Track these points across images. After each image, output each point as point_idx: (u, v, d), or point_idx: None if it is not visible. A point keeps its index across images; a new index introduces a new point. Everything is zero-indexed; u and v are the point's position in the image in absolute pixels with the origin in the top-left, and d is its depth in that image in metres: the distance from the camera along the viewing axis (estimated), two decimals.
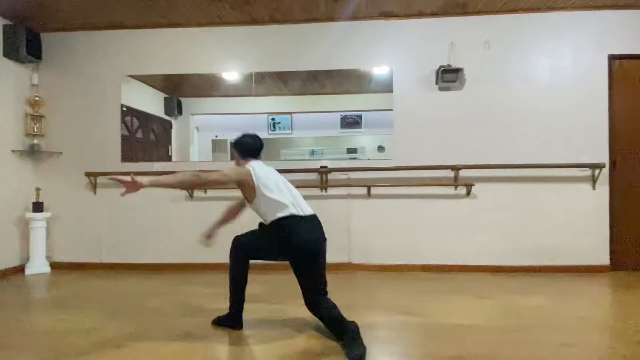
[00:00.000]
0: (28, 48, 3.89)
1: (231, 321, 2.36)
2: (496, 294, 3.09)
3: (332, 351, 2.05)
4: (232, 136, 4.74)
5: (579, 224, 3.76)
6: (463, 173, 3.79)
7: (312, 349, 2.09)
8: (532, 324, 2.44)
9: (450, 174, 3.82)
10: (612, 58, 3.77)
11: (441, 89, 3.87)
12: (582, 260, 3.74)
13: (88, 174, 4.05)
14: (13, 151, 3.93)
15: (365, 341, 2.06)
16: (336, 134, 4.50)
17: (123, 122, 4.19)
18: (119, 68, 4.15)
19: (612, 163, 3.78)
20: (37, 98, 4.07)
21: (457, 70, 3.72)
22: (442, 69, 3.72)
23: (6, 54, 3.85)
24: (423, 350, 2.07)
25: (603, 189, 3.76)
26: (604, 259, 3.75)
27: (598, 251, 3.75)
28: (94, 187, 4.11)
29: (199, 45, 4.11)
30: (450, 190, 3.85)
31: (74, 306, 2.87)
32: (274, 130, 4.48)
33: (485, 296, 3.03)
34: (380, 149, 4.30)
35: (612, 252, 3.76)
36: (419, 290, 3.22)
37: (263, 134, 4.45)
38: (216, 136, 4.65)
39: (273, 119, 4.46)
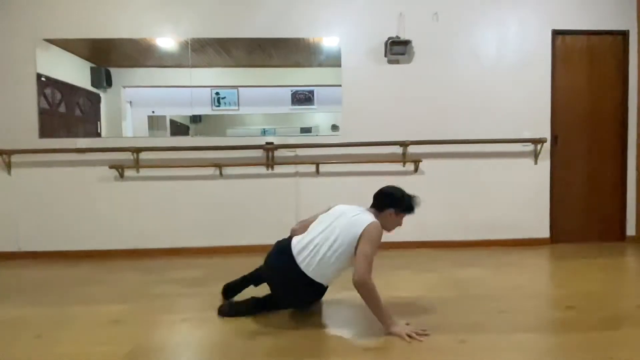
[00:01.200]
0: None
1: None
2: (440, 267, 3.30)
3: (272, 329, 2.10)
4: (170, 112, 4.64)
5: (521, 198, 4.06)
6: (411, 149, 3.95)
7: (249, 328, 2.13)
8: (471, 294, 2.64)
9: (398, 150, 3.96)
10: (556, 33, 4.03)
11: (390, 61, 3.96)
12: (524, 234, 4.06)
13: (1, 152, 3.78)
14: None
15: (312, 316, 2.13)
16: (287, 111, 4.47)
17: (42, 94, 3.92)
18: (34, 30, 3.85)
19: (554, 138, 4.09)
20: None
21: (406, 43, 3.82)
22: (390, 40, 3.81)
23: None
24: (368, 321, 2.18)
25: (544, 164, 4.07)
26: (545, 232, 4.09)
27: (539, 224, 4.08)
28: (8, 166, 3.84)
29: (128, 5, 3.90)
30: (398, 167, 4.00)
31: None
32: (218, 106, 4.37)
33: (429, 270, 3.23)
34: (334, 127, 4.35)
35: (552, 225, 4.11)
36: None
37: (206, 110, 4.38)
38: (153, 112, 4.47)
39: (217, 93, 4.34)
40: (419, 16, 3.95)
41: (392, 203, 2.34)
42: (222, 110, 4.39)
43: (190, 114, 4.53)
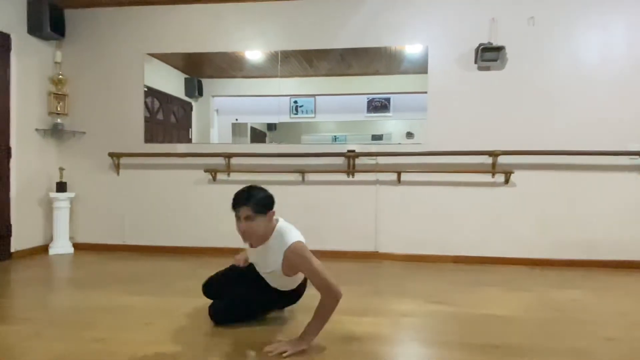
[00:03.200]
0: (52, 24, 4.07)
1: None
2: (532, 286, 3.12)
3: (364, 336, 2.14)
4: (251, 120, 4.90)
5: (625, 216, 3.71)
6: (502, 159, 3.78)
7: (342, 332, 2.18)
8: (571, 317, 2.46)
9: (487, 160, 3.82)
10: None
11: (480, 68, 3.84)
12: (626, 255, 3.70)
13: (111, 155, 4.24)
14: (37, 130, 4.14)
15: (395, 327, 2.14)
16: (361, 119, 4.52)
17: (144, 102, 4.35)
18: (141, 46, 4.30)
19: None
20: (60, 76, 4.26)
21: (499, 49, 3.69)
22: (482, 47, 3.70)
23: (30, 31, 4.03)
24: (455, 338, 2.14)
25: None
26: None
27: None
28: (117, 167, 4.30)
29: (221, 22, 4.20)
30: (487, 178, 3.85)
31: (100, 286, 3.06)
32: (296, 114, 4.54)
33: (521, 288, 3.06)
34: (409, 135, 4.31)
35: None
36: (450, 281, 3.28)
37: (284, 118, 4.57)
38: (236, 119, 4.76)
39: (295, 101, 4.51)
40: (513, 21, 3.79)
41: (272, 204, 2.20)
42: (299, 118, 4.55)
43: (271, 121, 4.75)
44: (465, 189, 3.90)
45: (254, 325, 2.28)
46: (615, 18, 3.70)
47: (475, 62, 3.80)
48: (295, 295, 2.37)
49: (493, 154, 3.76)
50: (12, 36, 3.86)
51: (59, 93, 4.28)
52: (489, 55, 3.69)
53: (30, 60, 4.07)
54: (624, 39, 3.70)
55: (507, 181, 3.83)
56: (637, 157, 3.67)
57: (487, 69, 3.83)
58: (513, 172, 3.78)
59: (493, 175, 3.83)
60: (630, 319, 2.47)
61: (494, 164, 3.80)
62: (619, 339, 2.14)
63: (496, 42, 3.74)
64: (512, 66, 3.81)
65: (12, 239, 3.91)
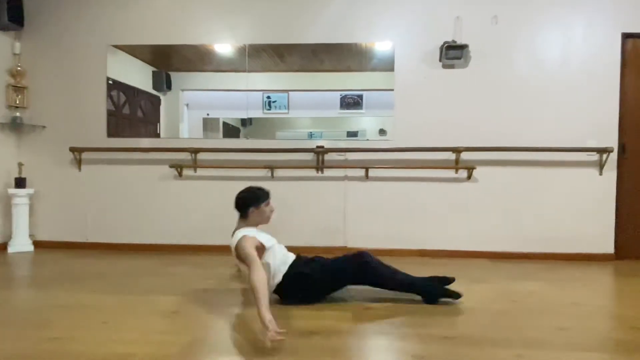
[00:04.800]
0: (9, 14, 3.90)
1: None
2: (493, 279, 3.21)
3: (324, 329, 2.15)
4: (223, 115, 4.84)
5: (584, 210, 3.86)
6: (465, 155, 3.87)
7: (304, 326, 2.19)
8: (526, 308, 2.55)
9: (451, 156, 3.89)
10: (626, 37, 3.82)
11: (445, 66, 3.91)
12: (585, 248, 3.85)
13: (73, 149, 4.12)
14: None
15: (356, 321, 2.16)
16: (335, 115, 4.53)
17: (109, 96, 4.23)
18: (105, 37, 4.17)
19: (621, 148, 3.86)
20: (19, 68, 4.10)
21: (463, 47, 3.76)
22: (446, 45, 3.76)
23: None
24: (415, 330, 2.17)
25: (610, 175, 3.85)
26: (609, 248, 3.86)
27: (602, 239, 3.86)
28: (78, 163, 4.17)
29: (189, 13, 4.12)
30: (451, 173, 3.94)
31: (59, 284, 2.97)
32: (269, 110, 4.50)
33: (481, 281, 3.14)
34: (382, 132, 4.35)
35: (617, 240, 3.87)
36: (415, 274, 3.31)
37: (257, 113, 4.53)
38: (207, 114, 4.69)
39: (268, 97, 4.48)
40: (477, 20, 3.87)
41: (248, 204, 2.57)
42: (273, 114, 4.52)
43: (243, 117, 4.71)
44: (431, 184, 3.97)
45: (212, 322, 2.26)
46: (575, 18, 3.83)
47: (440, 60, 3.87)
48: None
49: (456, 150, 3.84)
50: None
51: (18, 85, 4.12)
52: (453, 53, 3.76)
53: None
54: (583, 39, 3.83)
55: (469, 177, 3.92)
56: (594, 153, 3.82)
57: (452, 67, 3.90)
58: (475, 168, 3.87)
59: (456, 171, 3.92)
60: (583, 310, 2.56)
61: (457, 160, 3.88)
62: (571, 328, 2.22)
63: (460, 41, 3.81)
64: (476, 64, 3.89)
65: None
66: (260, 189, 2.64)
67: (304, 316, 2.33)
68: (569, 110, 3.84)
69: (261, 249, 2.41)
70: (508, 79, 3.88)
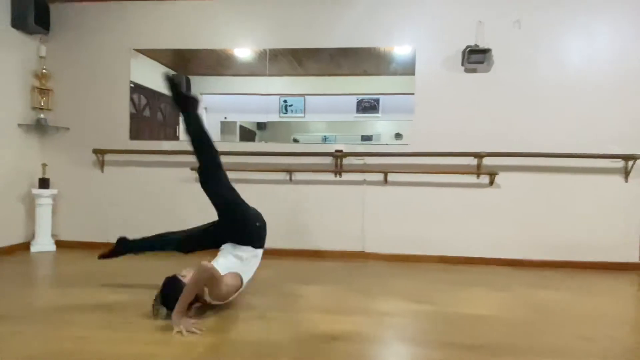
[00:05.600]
0: (36, 18, 4.01)
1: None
2: (514, 287, 3.17)
3: (345, 335, 2.16)
4: (240, 118, 4.87)
5: (608, 218, 3.78)
6: (487, 161, 3.84)
7: (325, 331, 2.20)
8: (549, 317, 2.51)
9: (473, 161, 3.86)
10: None
11: (467, 70, 3.89)
12: (609, 257, 3.77)
13: (96, 151, 4.20)
14: (19, 125, 4.08)
15: (378, 326, 2.16)
16: (351, 119, 4.54)
17: (130, 99, 4.31)
18: (128, 41, 4.26)
19: None
20: (44, 71, 4.21)
21: (485, 51, 3.74)
22: (468, 49, 3.75)
23: (14, 24, 3.97)
24: (437, 337, 2.16)
25: (636, 182, 3.77)
26: (634, 256, 3.78)
27: (627, 247, 3.78)
28: (101, 164, 4.25)
29: (210, 18, 4.19)
30: (472, 179, 3.90)
31: (81, 284, 3.03)
32: (285, 113, 4.54)
33: (503, 289, 3.11)
34: (398, 136, 4.35)
35: None
36: (434, 280, 3.32)
37: (274, 117, 4.57)
38: (225, 118, 4.74)
39: (285, 100, 4.52)
40: (500, 24, 3.85)
41: None
42: (289, 117, 4.56)
43: (260, 120, 4.75)
44: (451, 189, 3.94)
45: (230, 325, 2.28)
46: (600, 22, 3.78)
47: (462, 64, 3.85)
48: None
49: (478, 156, 3.81)
50: None
51: (43, 88, 4.22)
52: (476, 57, 3.74)
53: (13, 55, 4.01)
54: (609, 43, 3.77)
55: (491, 182, 3.88)
56: (618, 159, 3.75)
57: (474, 71, 3.88)
58: (497, 174, 3.83)
59: (478, 176, 3.89)
60: (608, 319, 2.52)
61: (479, 165, 3.85)
62: (595, 339, 2.19)
63: (483, 45, 3.79)
64: (498, 68, 3.86)
65: None
66: None
67: (325, 321, 2.34)
68: (593, 115, 3.78)
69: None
70: (531, 83, 3.84)
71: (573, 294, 3.04)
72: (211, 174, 2.71)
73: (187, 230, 2.92)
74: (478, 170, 3.85)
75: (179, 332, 2.07)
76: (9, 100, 3.98)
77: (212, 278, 2.20)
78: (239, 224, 2.61)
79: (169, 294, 2.26)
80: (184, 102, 2.65)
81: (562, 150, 3.76)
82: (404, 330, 2.31)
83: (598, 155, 3.73)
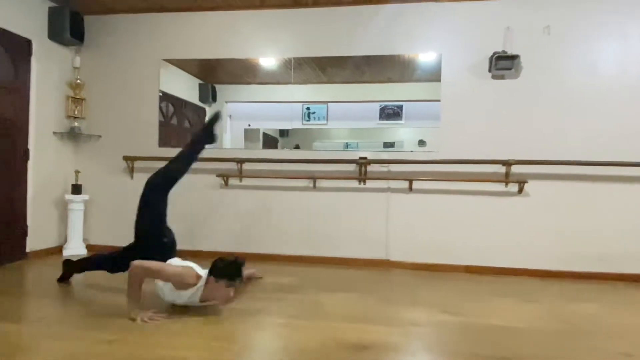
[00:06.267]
0: (72, 31, 4.17)
1: None
2: (545, 298, 3.08)
3: (374, 345, 2.14)
4: (264, 125, 4.93)
5: None
6: (515, 169, 3.76)
7: (353, 340, 2.18)
8: (584, 331, 2.43)
9: (501, 169, 3.79)
10: None
11: (495, 77, 3.83)
12: None
13: (126, 158, 4.32)
14: (54, 133, 4.24)
15: (406, 337, 2.13)
16: (374, 126, 4.53)
17: (159, 107, 4.42)
18: (158, 52, 4.38)
19: None
20: (78, 81, 4.36)
21: (513, 57, 3.68)
22: (496, 55, 3.69)
23: (51, 36, 4.14)
24: (467, 349, 2.12)
25: None
26: None
27: None
28: (131, 171, 4.37)
29: (236, 29, 4.26)
30: (500, 187, 3.83)
31: (112, 287, 3.10)
32: (308, 120, 4.56)
33: (533, 300, 3.02)
34: (421, 143, 4.31)
35: None
36: (461, 291, 3.25)
37: (297, 124, 4.60)
38: (249, 125, 4.80)
39: (308, 108, 4.54)
40: (528, 30, 3.78)
41: (212, 272, 2.45)
42: (311, 125, 4.58)
43: (283, 127, 4.79)
44: (478, 197, 3.87)
45: (254, 333, 2.29)
46: (634, 24, 3.67)
47: (490, 70, 3.79)
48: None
49: (507, 163, 3.73)
50: (33, 42, 3.97)
51: (77, 97, 4.38)
52: (504, 63, 3.68)
53: (50, 65, 4.18)
54: None
55: (520, 191, 3.79)
56: None
57: (502, 77, 3.82)
58: (527, 182, 3.74)
59: (506, 184, 3.80)
60: None
61: (507, 173, 3.77)
62: (635, 355, 2.10)
63: (511, 51, 3.73)
64: (527, 75, 3.79)
65: (28, 239, 4.00)
66: (236, 270, 2.43)
67: (352, 330, 2.32)
68: (626, 122, 3.66)
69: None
70: (562, 89, 3.75)
71: (607, 307, 2.93)
72: (164, 184, 3.02)
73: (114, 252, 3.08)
74: (506, 178, 3.77)
75: (143, 320, 2.32)
76: (46, 109, 4.14)
77: (147, 270, 2.41)
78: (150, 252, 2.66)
79: None
80: (211, 137, 3.05)
81: (595, 157, 3.64)
82: (433, 341, 2.28)
83: (632, 163, 3.59)
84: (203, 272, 2.49)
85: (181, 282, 2.44)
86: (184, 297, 2.48)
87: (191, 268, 2.53)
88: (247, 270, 2.69)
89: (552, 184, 3.76)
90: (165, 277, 2.46)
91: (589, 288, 3.43)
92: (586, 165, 3.65)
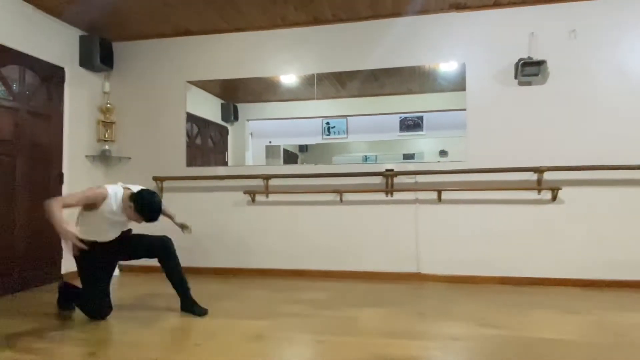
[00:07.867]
0: (101, 57, 4.34)
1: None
2: (588, 309, 2.97)
3: (412, 358, 2.09)
4: (284, 142, 4.98)
5: None
6: (548, 175, 3.67)
7: (393, 356, 2.14)
8: (636, 343, 2.32)
9: (532, 176, 3.71)
10: None
11: (521, 83, 3.79)
12: None
13: (156, 179, 4.41)
14: (86, 156, 4.38)
15: (447, 351, 2.08)
16: (394, 138, 4.51)
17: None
18: (183, 74, 4.50)
19: None
20: (108, 105, 4.51)
21: (540, 63, 3.63)
22: (522, 61, 3.65)
23: (82, 63, 4.31)
24: None
25: None
26: None
27: None
28: (160, 191, 4.45)
29: (258, 48, 4.35)
30: (533, 195, 3.74)
31: (145, 306, 3.14)
32: (328, 135, 4.58)
33: (576, 311, 2.92)
34: (443, 153, 4.26)
35: None
36: (498, 303, 3.16)
37: (317, 139, 4.62)
38: (270, 142, 4.85)
39: (328, 123, 4.56)
40: (553, 35, 3.74)
41: (135, 199, 2.72)
42: (332, 139, 4.59)
43: (304, 143, 4.82)
44: (511, 206, 3.79)
45: (288, 349, 2.27)
46: None
47: (516, 77, 3.75)
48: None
49: (538, 170, 3.66)
50: (65, 69, 4.14)
51: (107, 121, 4.52)
52: (530, 70, 3.63)
53: (81, 91, 4.34)
54: None
55: (554, 198, 3.70)
56: None
57: (528, 84, 3.77)
58: (561, 189, 3.65)
59: (539, 192, 3.72)
60: None
61: (539, 181, 3.69)
62: None
63: (536, 57, 3.69)
64: (555, 80, 3.73)
65: (63, 261, 4.10)
66: (150, 208, 2.75)
67: (390, 345, 2.29)
68: None
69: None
70: (591, 93, 3.67)
71: None
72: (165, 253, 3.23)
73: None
74: (539, 186, 3.69)
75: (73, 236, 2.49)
76: (78, 133, 4.29)
77: (60, 201, 2.58)
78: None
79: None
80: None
81: (629, 162, 3.54)
82: (474, 355, 2.21)
83: None
84: (111, 188, 2.75)
85: (93, 198, 2.66)
86: (118, 215, 2.75)
87: (92, 187, 2.77)
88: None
89: (588, 190, 3.65)
90: (76, 200, 2.67)
91: (630, 297, 3.30)
92: (620, 169, 3.54)
